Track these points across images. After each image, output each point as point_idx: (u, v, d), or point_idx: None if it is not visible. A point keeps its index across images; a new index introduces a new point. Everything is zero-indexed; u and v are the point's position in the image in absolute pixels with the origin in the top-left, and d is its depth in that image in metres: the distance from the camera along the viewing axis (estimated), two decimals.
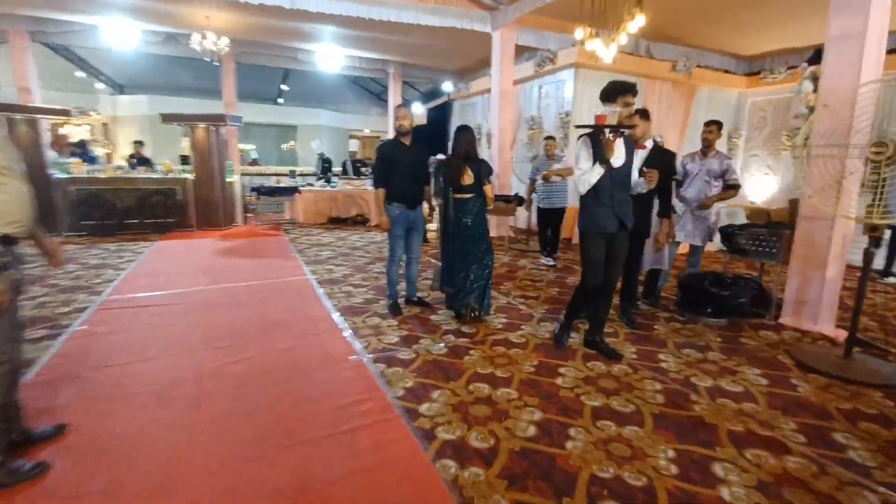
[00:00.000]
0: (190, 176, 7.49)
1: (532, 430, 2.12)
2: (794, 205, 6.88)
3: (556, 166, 5.64)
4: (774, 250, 3.61)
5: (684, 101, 8.78)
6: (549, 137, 5.58)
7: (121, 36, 8.08)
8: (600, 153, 2.65)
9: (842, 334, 3.22)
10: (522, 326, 3.49)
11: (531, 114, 8.64)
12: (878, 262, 5.20)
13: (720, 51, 8.95)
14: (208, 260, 5.52)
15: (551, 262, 5.63)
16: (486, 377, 2.66)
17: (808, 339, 3.36)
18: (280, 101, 14.30)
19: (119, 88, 14.09)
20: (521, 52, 8.71)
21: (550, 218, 5.72)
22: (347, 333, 3.26)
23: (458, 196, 3.44)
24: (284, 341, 3.11)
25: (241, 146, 16.10)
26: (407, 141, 3.52)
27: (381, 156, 3.58)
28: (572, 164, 3.05)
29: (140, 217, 7.16)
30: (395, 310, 3.71)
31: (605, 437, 2.08)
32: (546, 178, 5.53)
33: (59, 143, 8.20)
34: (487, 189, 3.42)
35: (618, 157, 2.69)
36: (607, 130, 2.57)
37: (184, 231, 7.43)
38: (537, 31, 7.51)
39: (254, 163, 14.44)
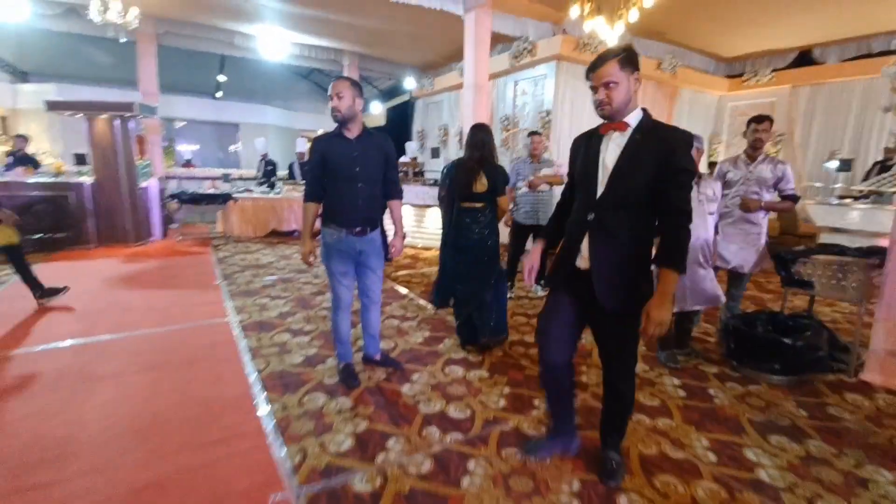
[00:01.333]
0: (88, 179, 5.95)
1: None
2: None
3: (546, 171, 4.58)
4: (854, 285, 2.75)
5: (667, 102, 8.13)
6: (535, 133, 4.46)
7: (3, 6, 6.41)
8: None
9: None
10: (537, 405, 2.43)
11: (505, 113, 7.70)
12: None
13: (700, 50, 8.39)
14: (95, 294, 4.11)
15: (542, 293, 4.60)
16: None
17: None
18: (218, 94, 12.62)
19: (21, 76, 11.97)
20: (495, 43, 7.76)
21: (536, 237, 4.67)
22: (270, 434, 2.07)
23: (465, 205, 2.94)
24: (161, 463, 1.88)
25: (184, 147, 14.32)
26: (353, 132, 2.34)
27: (313, 154, 2.38)
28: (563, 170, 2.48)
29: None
30: (348, 378, 2.56)
31: None
32: (532, 187, 4.44)
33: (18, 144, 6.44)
34: (502, 201, 2.94)
35: None
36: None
37: (79, 249, 5.88)
38: (515, 18, 6.56)
39: (188, 164, 12.69)
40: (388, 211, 2.57)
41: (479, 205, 2.92)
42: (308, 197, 2.39)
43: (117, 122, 5.89)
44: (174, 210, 6.83)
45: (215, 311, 3.70)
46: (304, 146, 7.73)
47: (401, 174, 6.94)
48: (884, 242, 2.96)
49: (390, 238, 2.57)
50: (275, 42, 8.49)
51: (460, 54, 6.56)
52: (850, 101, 7.32)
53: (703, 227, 2.71)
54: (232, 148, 13.02)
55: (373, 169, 2.39)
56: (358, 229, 2.38)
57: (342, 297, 2.49)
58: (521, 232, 4.41)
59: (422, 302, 4.13)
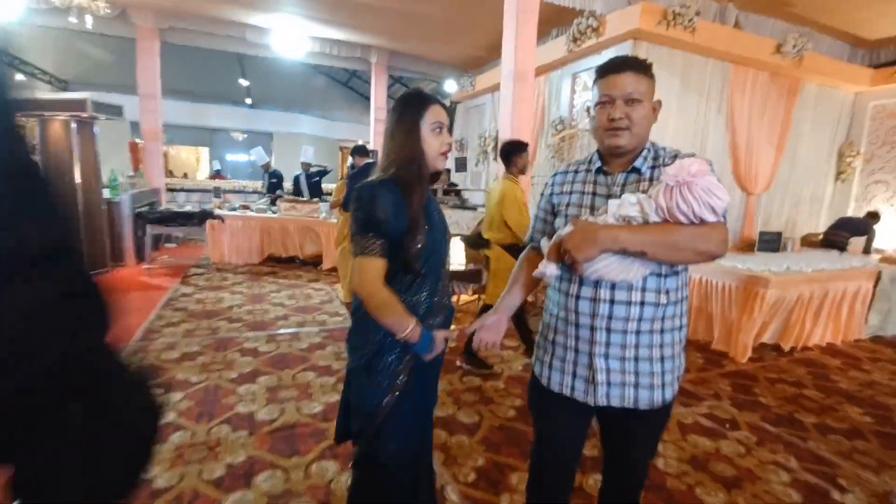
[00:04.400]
0: None
1: None
2: None
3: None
4: None
5: (784, 99, 6.00)
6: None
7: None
8: None
9: None
10: None
11: (560, 115, 5.96)
12: None
13: (833, 30, 6.21)
14: None
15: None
16: None
17: None
18: (248, 101, 11.86)
19: (62, 85, 11.86)
20: (548, 27, 6.11)
21: None
22: None
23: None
24: None
25: (236, 156, 13.72)
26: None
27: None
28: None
29: None
30: None
31: None
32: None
33: None
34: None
35: None
36: None
37: None
38: None
39: (217, 175, 12.02)
40: None
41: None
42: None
43: (74, 126, 4.84)
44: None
45: None
46: (310, 156, 6.43)
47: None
48: None
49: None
50: (291, 36, 7.34)
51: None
52: None
53: None
54: (252, 156, 12.15)
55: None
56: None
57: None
58: None
59: None
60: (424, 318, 1.24)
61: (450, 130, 1.30)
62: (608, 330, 1.08)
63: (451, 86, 8.88)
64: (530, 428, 2.34)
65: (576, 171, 1.24)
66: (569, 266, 1.06)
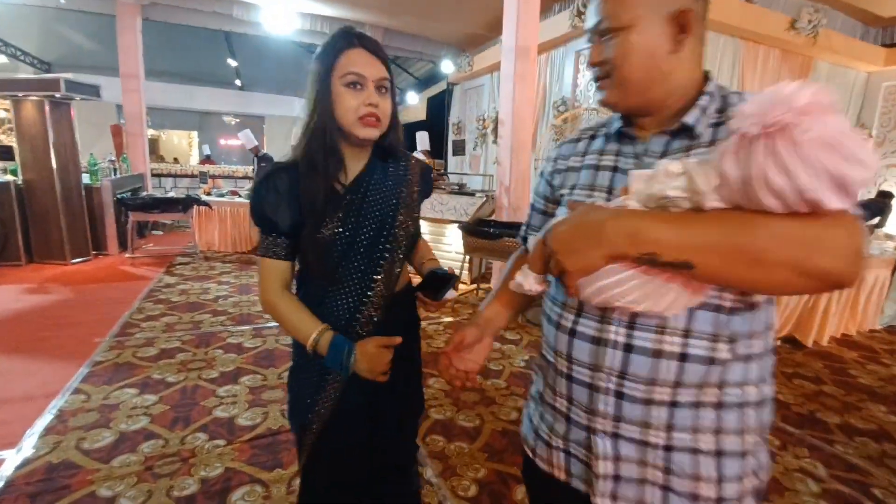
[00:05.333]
0: (13, 179, 4.67)
1: None
2: None
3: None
4: None
5: (795, 79, 5.70)
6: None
7: None
8: None
9: None
10: None
11: (562, 96, 5.70)
12: None
13: (848, 6, 5.93)
14: None
15: None
16: None
17: None
18: (237, 82, 11.46)
19: (45, 67, 11.41)
20: (548, 3, 5.80)
21: None
22: None
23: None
24: None
25: (229, 141, 13.35)
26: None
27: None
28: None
29: None
30: None
31: None
32: None
33: None
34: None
35: None
36: None
37: (6, 266, 4.62)
38: None
39: (207, 160, 11.69)
40: None
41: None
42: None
43: (48, 107, 4.55)
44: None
45: (13, 430, 2.07)
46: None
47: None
48: None
49: None
50: (279, 12, 6.98)
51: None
52: None
53: None
54: (241, 140, 11.81)
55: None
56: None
57: None
58: None
59: None
60: (347, 328, 0.98)
61: (390, 89, 0.96)
62: (619, 395, 0.66)
63: (447, 66, 8.55)
64: None
65: (591, 138, 0.82)
66: (558, 280, 0.64)
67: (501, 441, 2.10)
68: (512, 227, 3.93)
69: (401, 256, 1.03)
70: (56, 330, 3.16)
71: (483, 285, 4.73)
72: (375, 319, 1.00)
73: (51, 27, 9.76)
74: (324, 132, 0.92)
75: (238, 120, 13.03)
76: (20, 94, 4.48)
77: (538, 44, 4.64)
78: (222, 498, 1.67)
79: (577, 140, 0.85)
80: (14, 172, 4.74)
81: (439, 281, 1.05)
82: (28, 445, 1.92)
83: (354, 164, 1.00)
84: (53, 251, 4.83)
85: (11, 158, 4.74)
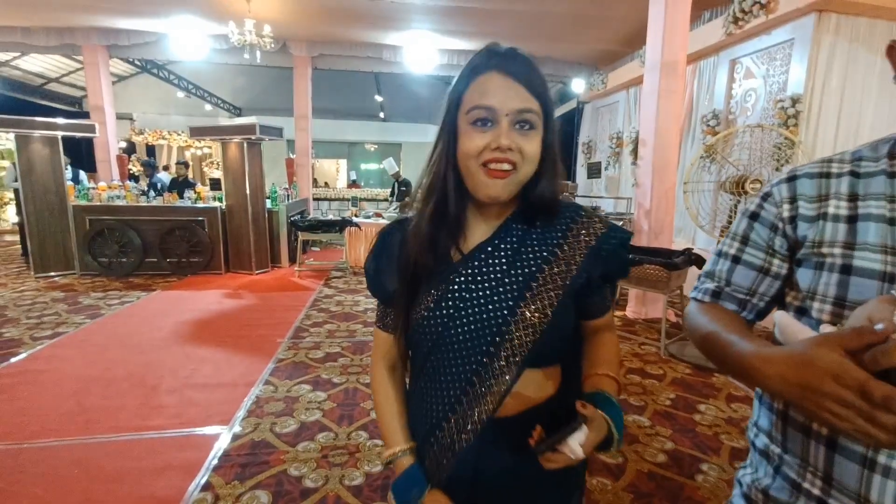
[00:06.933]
0: (220, 205, 5.86)
1: None
2: None
3: None
4: None
5: None
6: None
7: (188, 44, 7.03)
8: None
9: None
10: None
11: (713, 109, 5.22)
12: None
13: None
14: (147, 347, 3.50)
15: None
16: None
17: None
18: (381, 115, 12.80)
19: (237, 111, 14.12)
20: (696, 11, 5.39)
21: None
22: None
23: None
24: None
25: (368, 165, 15.15)
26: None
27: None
28: None
29: (159, 256, 5.71)
30: None
31: None
32: None
33: (179, 170, 7.08)
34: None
35: None
36: None
37: (210, 274, 5.80)
38: None
39: (353, 185, 13.17)
40: None
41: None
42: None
43: (245, 147, 5.64)
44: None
45: (226, 409, 2.59)
46: (392, 165, 6.64)
47: None
48: None
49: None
50: (422, 51, 7.68)
51: (643, 37, 4.48)
52: None
53: None
54: (384, 166, 13.10)
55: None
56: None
57: None
58: None
59: None
60: (424, 446, 0.76)
61: (541, 124, 0.69)
62: None
63: (578, 85, 8.43)
64: (682, 478, 2.00)
65: (853, 175, 0.61)
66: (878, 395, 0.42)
67: (648, 484, 1.99)
68: (654, 254, 3.70)
69: (516, 361, 0.70)
70: (248, 329, 3.87)
71: (618, 312, 4.51)
72: (455, 447, 0.72)
73: (241, 80, 12.05)
74: (438, 181, 0.72)
75: (376, 146, 14.49)
76: (227, 138, 5.64)
77: (689, 52, 4.36)
78: (384, 493, 1.88)
79: (825, 175, 0.64)
80: (220, 199, 5.94)
81: (568, 417, 0.62)
82: (237, 424, 2.39)
83: (481, 226, 0.76)
84: (243, 263, 5.91)
85: (220, 188, 5.92)
